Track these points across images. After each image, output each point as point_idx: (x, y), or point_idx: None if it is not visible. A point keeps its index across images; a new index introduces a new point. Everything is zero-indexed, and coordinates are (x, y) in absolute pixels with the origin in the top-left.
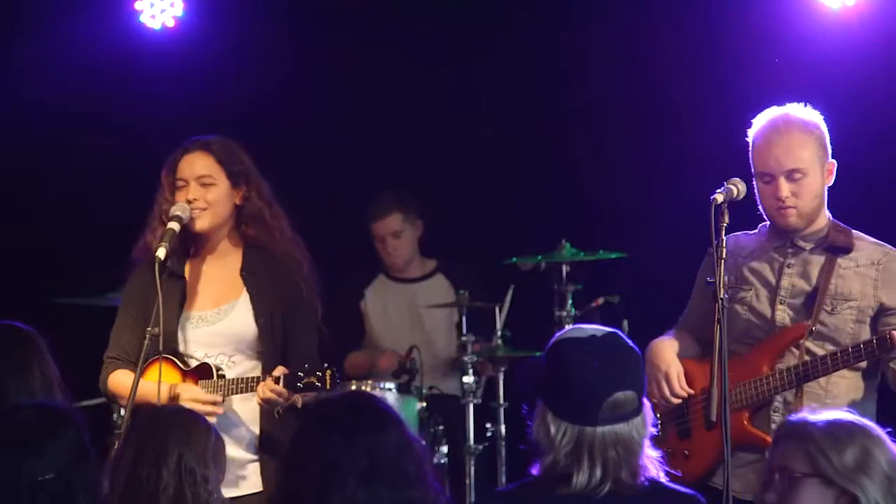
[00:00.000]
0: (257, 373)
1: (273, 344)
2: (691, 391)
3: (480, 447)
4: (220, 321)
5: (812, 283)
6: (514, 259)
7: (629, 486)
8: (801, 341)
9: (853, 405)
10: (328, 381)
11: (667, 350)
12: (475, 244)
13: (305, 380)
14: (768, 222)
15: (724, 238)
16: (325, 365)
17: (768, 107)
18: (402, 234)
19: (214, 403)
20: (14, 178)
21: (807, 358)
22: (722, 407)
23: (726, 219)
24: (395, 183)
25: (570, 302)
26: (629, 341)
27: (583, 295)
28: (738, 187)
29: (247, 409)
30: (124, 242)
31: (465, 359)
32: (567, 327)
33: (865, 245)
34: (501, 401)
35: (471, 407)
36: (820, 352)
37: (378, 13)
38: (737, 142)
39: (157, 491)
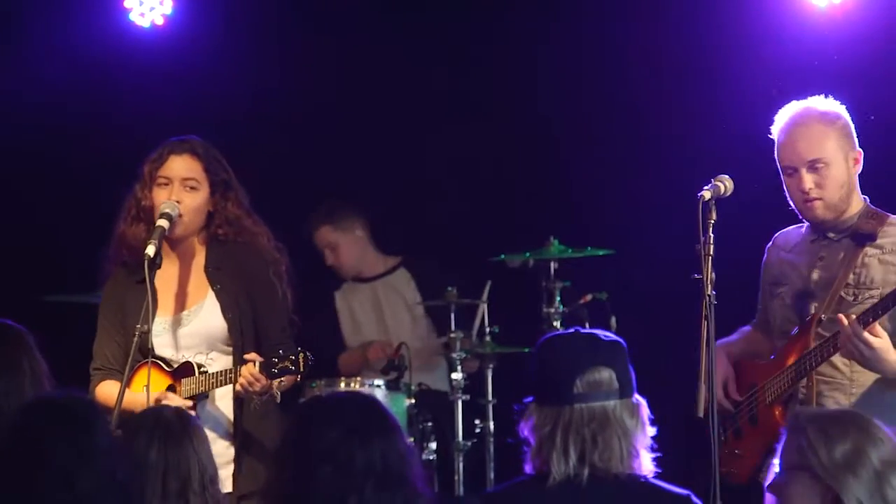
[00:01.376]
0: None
1: (243, 336)
2: (736, 396)
3: (469, 443)
4: (192, 322)
5: (836, 273)
6: (503, 256)
7: (604, 471)
8: (810, 332)
9: (880, 393)
10: (302, 364)
11: (718, 356)
12: (463, 241)
13: (280, 364)
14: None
15: (711, 233)
16: (299, 349)
17: (756, 105)
18: (338, 246)
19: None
20: (3, 176)
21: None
22: (709, 402)
23: (714, 215)
24: (384, 182)
25: (558, 299)
26: (613, 335)
27: (571, 292)
28: (725, 184)
29: (225, 407)
30: (107, 242)
31: (454, 355)
32: (555, 324)
33: (894, 230)
34: (490, 397)
35: (459, 403)
36: None
37: (367, 13)
38: (725, 139)
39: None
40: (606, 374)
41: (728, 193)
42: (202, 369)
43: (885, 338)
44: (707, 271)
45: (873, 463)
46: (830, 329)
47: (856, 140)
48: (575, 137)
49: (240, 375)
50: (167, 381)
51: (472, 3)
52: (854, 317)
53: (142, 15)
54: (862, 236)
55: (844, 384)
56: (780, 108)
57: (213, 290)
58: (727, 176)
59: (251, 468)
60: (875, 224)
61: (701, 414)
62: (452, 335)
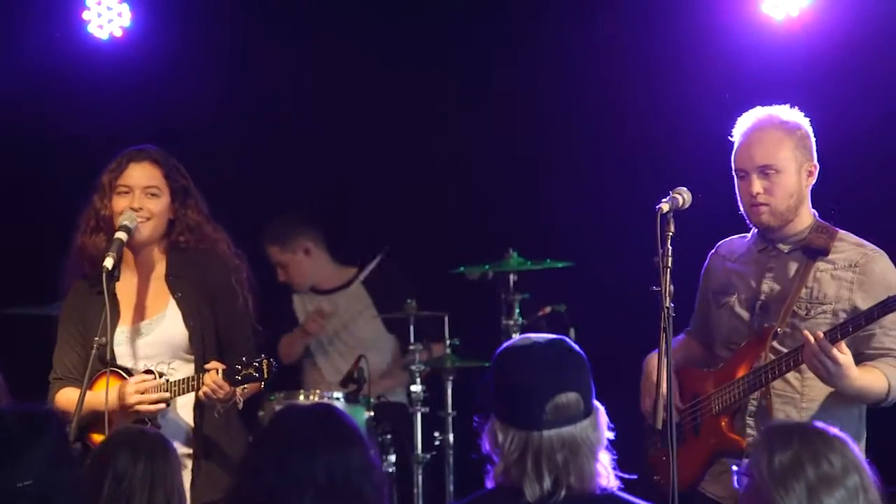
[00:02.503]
0: (212, 362)
1: (204, 343)
2: (678, 403)
3: (428, 456)
4: (153, 331)
5: (788, 286)
6: (462, 268)
7: (580, 492)
8: (766, 345)
9: (831, 407)
10: (266, 371)
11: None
12: (422, 253)
13: (244, 371)
14: (754, 229)
15: (669, 245)
16: (262, 356)
17: (715, 117)
18: (287, 265)
19: (160, 399)
20: None
21: (771, 357)
22: (667, 413)
23: (672, 228)
24: (342, 192)
25: (517, 311)
26: (574, 346)
27: (530, 304)
28: (683, 196)
29: (185, 415)
30: (69, 253)
31: (413, 368)
32: (514, 337)
33: (846, 246)
34: (450, 409)
35: (419, 415)
36: None
37: (328, 22)
38: (683, 151)
39: None
40: (574, 398)
41: (686, 206)
42: (164, 377)
43: (848, 355)
44: (665, 283)
45: (808, 477)
46: (786, 343)
47: (814, 153)
48: (534, 150)
49: (203, 383)
50: None
51: (438, 16)
52: (821, 333)
53: (100, 27)
54: (814, 251)
55: (795, 398)
56: (736, 115)
57: (174, 298)
58: (685, 188)
59: (210, 477)
60: (826, 239)
61: (660, 425)
62: (412, 347)
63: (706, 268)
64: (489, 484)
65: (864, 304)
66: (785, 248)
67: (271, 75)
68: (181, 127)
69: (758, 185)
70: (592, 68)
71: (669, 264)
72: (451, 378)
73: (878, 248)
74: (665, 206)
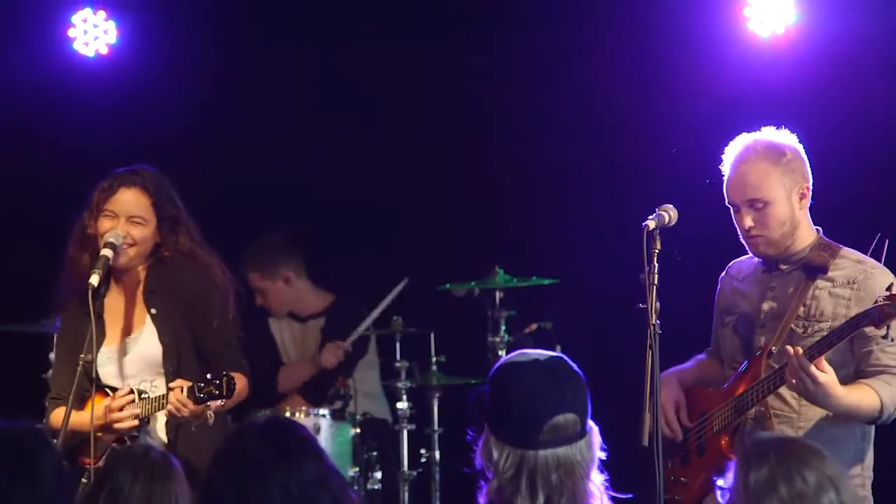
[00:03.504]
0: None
1: (180, 358)
2: (686, 423)
3: (414, 473)
4: (132, 350)
5: (786, 305)
6: (448, 286)
7: None
8: (761, 363)
9: (829, 427)
10: (225, 389)
11: (670, 382)
12: (408, 271)
13: (206, 389)
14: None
15: (656, 262)
16: (224, 373)
17: (700, 134)
18: (266, 292)
19: (131, 415)
20: None
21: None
22: (653, 429)
23: (658, 245)
24: (328, 211)
25: (503, 328)
26: (573, 365)
27: (516, 321)
28: (669, 214)
29: (160, 430)
30: (55, 270)
31: (399, 385)
32: (513, 352)
33: (846, 263)
34: (436, 426)
35: (405, 433)
36: None
37: (313, 43)
38: (669, 168)
39: None
40: (572, 419)
41: (672, 223)
42: (143, 395)
43: (830, 374)
44: (651, 300)
45: (781, 496)
46: (780, 361)
47: (806, 174)
48: (521, 168)
49: (171, 398)
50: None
51: (422, 36)
52: (801, 350)
53: (86, 44)
54: (813, 269)
55: (793, 417)
56: (723, 133)
57: (149, 314)
58: (671, 205)
59: None
60: (827, 256)
61: (646, 442)
62: (398, 364)
63: (719, 289)
64: (481, 501)
65: None
66: (786, 267)
67: (257, 93)
68: (166, 144)
69: (749, 220)
70: (579, 85)
71: (656, 281)
72: (437, 395)
73: (878, 264)
74: (651, 224)
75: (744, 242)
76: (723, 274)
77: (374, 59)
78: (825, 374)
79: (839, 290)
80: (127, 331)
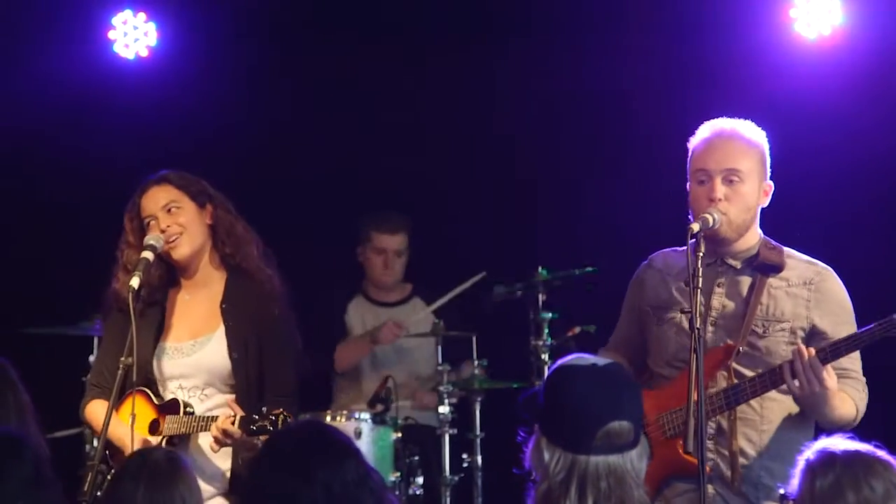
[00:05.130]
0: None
1: (247, 377)
2: None
3: (456, 478)
4: (195, 353)
5: (742, 303)
6: (492, 288)
7: None
8: (729, 363)
9: (789, 429)
10: (280, 426)
11: None
12: (452, 274)
13: (259, 423)
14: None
15: (699, 265)
16: (280, 409)
17: None
18: (402, 255)
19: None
20: None
21: (735, 381)
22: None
23: (702, 248)
24: (369, 210)
25: (546, 331)
26: (629, 373)
27: (559, 324)
28: (713, 216)
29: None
30: (96, 272)
31: (441, 388)
32: (570, 355)
33: (797, 263)
34: (478, 431)
35: (447, 437)
36: (750, 374)
37: (349, 43)
38: None
39: None
40: (627, 426)
41: (717, 226)
42: (188, 409)
43: (834, 379)
44: (696, 304)
45: (848, 503)
46: (743, 362)
47: (769, 172)
48: (561, 168)
49: (214, 429)
50: (153, 415)
51: (446, 37)
52: (813, 351)
53: (126, 46)
54: (767, 267)
55: (755, 420)
56: (773, 140)
57: (224, 326)
58: (708, 211)
59: None
60: (777, 255)
61: (690, 448)
62: (440, 367)
63: (637, 280)
64: (529, 501)
65: (821, 321)
66: (736, 263)
67: (298, 94)
68: (206, 146)
69: (720, 190)
70: (624, 85)
71: (700, 285)
72: (479, 399)
73: (827, 266)
74: (695, 226)
75: (701, 217)
76: (644, 264)
77: (413, 61)
78: (831, 380)
79: (796, 290)
80: (189, 332)
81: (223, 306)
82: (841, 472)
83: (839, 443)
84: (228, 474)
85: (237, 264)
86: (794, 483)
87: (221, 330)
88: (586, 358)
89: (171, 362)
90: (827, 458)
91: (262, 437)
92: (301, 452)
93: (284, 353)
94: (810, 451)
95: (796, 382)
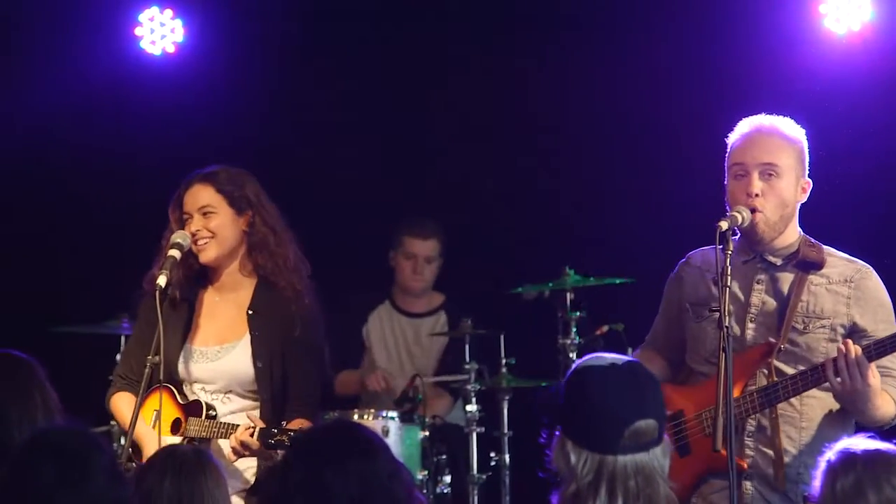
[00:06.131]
0: (254, 412)
1: (270, 386)
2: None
3: (484, 476)
4: (220, 359)
5: (782, 300)
6: (520, 288)
7: None
8: (770, 360)
9: (829, 427)
10: None
11: None
12: (479, 274)
13: (277, 437)
14: (738, 236)
15: (728, 263)
16: (299, 426)
17: None
18: (433, 261)
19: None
20: (13, 205)
21: (776, 378)
22: (726, 435)
23: (731, 246)
24: (398, 212)
25: (574, 329)
26: (649, 370)
27: (587, 323)
28: (742, 214)
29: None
30: (123, 271)
31: (469, 387)
32: (587, 356)
33: (837, 261)
34: (506, 429)
35: (474, 436)
36: (790, 371)
37: (377, 42)
38: None
39: None
40: (652, 424)
41: (745, 224)
42: (210, 412)
43: (878, 377)
44: (725, 303)
45: (869, 502)
46: (782, 358)
47: (807, 169)
48: (593, 167)
49: (232, 439)
50: (176, 413)
51: (480, 39)
52: (860, 347)
53: (153, 43)
54: (808, 264)
55: (795, 417)
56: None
57: (250, 334)
58: (744, 206)
59: None
60: (818, 253)
61: (719, 447)
62: (467, 366)
63: (676, 278)
64: (554, 501)
65: (861, 319)
66: (776, 260)
67: (325, 91)
68: (233, 142)
69: (757, 185)
70: (652, 84)
71: (729, 283)
72: (507, 398)
73: (867, 264)
74: (724, 224)
75: (730, 216)
76: (682, 262)
77: (444, 61)
78: (875, 379)
79: (836, 288)
80: (221, 339)
81: (250, 313)
82: (862, 472)
83: (860, 442)
84: (247, 474)
85: (265, 276)
86: (816, 484)
87: (247, 338)
88: (604, 357)
89: (196, 366)
90: (847, 458)
91: (279, 452)
92: (335, 446)
93: (309, 364)
94: (831, 452)
95: (838, 379)
